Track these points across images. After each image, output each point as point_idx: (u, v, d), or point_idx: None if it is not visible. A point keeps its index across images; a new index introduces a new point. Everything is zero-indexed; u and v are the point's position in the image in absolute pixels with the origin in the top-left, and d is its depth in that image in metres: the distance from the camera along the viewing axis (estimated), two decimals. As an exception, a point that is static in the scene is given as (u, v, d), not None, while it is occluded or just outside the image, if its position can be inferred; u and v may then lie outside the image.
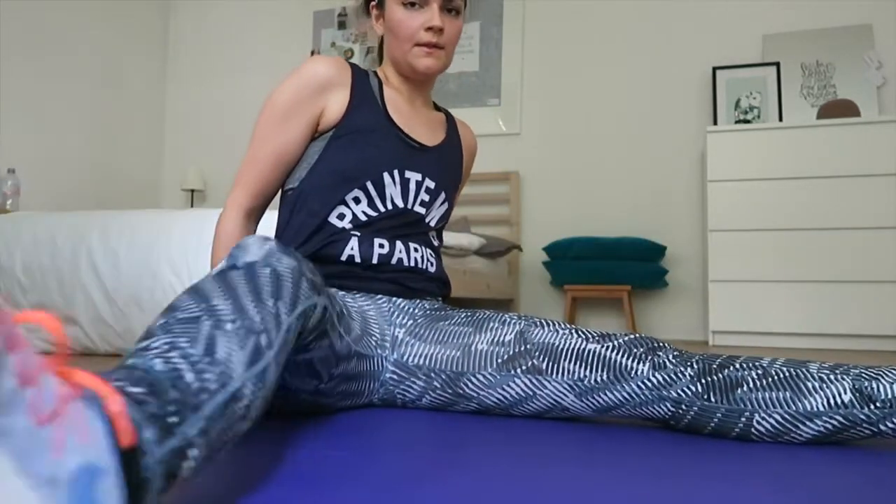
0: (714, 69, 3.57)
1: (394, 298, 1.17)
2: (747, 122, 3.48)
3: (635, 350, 0.95)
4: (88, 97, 3.88)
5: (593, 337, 0.98)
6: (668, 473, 0.71)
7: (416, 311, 1.17)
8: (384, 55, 1.31)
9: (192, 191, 4.45)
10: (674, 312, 3.65)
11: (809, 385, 0.86)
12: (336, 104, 1.18)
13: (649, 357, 0.94)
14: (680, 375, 0.91)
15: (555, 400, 0.98)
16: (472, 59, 4.05)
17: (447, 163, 1.30)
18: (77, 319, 2.16)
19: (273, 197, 1.22)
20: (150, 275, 2.07)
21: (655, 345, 0.95)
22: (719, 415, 0.89)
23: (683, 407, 0.91)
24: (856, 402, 0.84)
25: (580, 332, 0.99)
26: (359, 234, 1.15)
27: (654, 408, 0.93)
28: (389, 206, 1.18)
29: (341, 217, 1.16)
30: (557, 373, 0.97)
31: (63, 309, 2.19)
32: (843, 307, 2.96)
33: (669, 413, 0.92)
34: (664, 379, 0.92)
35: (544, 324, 1.02)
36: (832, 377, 0.86)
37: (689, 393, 0.90)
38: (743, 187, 3.12)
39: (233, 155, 4.51)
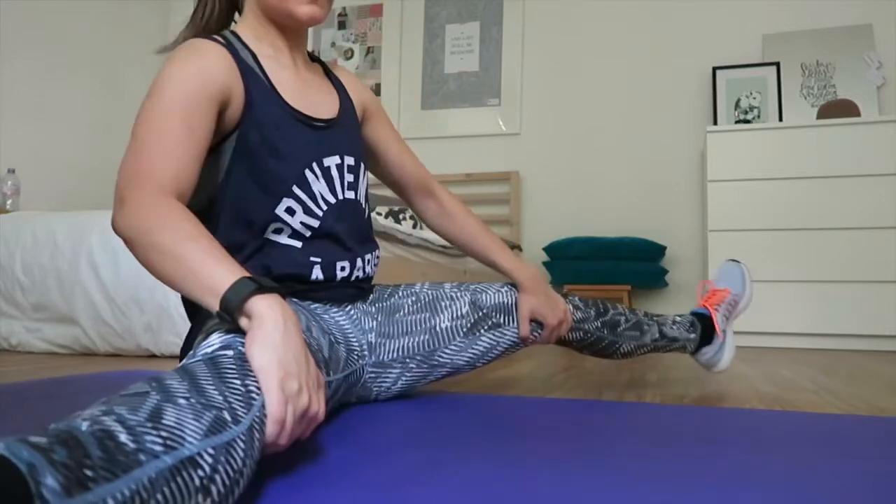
0: (714, 69, 3.57)
1: (353, 304, 1.13)
2: (747, 121, 3.48)
3: None
4: (88, 97, 3.88)
5: None
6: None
7: (371, 308, 1.16)
8: (241, 3, 1.07)
9: (192, 191, 4.44)
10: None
11: (645, 328, 1.34)
12: (236, 99, 0.96)
13: (567, 299, 1.27)
14: (589, 314, 1.28)
15: (513, 342, 1.21)
16: (472, 59, 4.05)
17: (352, 124, 1.13)
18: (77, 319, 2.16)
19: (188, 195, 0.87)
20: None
21: (563, 290, 1.26)
22: (605, 342, 1.30)
23: (588, 336, 1.28)
24: (658, 338, 1.35)
25: (514, 288, 1.22)
26: (320, 260, 1.03)
27: (571, 334, 1.27)
28: (323, 206, 1.05)
29: (278, 231, 1.01)
30: (512, 322, 1.21)
31: (63, 309, 2.19)
32: (842, 307, 2.96)
33: (578, 338, 1.28)
34: (581, 316, 1.27)
35: (484, 288, 1.21)
36: (650, 323, 1.35)
37: (594, 328, 1.28)
38: (743, 187, 3.12)
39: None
